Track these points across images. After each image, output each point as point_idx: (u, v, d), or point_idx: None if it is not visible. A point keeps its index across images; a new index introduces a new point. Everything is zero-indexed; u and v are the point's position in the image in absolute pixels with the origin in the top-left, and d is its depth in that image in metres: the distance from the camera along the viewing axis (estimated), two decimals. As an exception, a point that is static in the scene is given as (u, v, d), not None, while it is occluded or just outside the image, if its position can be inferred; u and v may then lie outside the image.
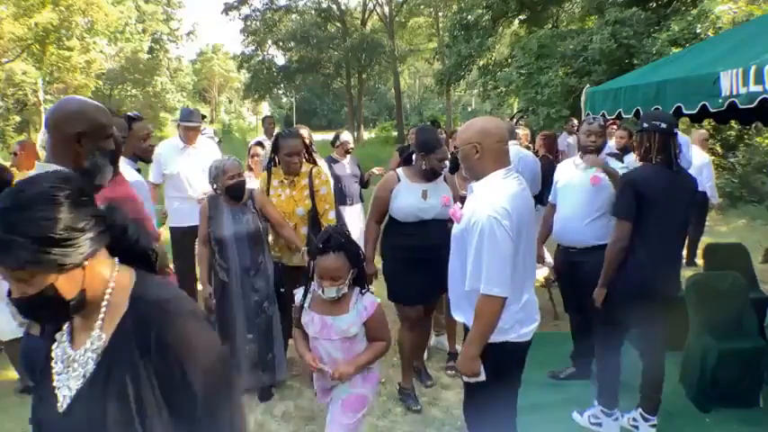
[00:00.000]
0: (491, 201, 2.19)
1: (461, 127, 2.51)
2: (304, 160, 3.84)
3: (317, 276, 2.37)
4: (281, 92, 41.88)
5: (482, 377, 2.27)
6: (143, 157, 3.34)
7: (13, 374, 4.17)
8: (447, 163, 3.56)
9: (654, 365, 3.25)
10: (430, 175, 3.44)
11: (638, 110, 4.04)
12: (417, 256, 3.41)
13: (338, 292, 2.33)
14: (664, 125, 3.03)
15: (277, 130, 9.62)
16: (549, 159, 5.89)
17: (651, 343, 3.20)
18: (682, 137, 5.95)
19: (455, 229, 2.42)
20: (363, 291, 2.46)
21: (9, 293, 1.11)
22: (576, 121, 9.66)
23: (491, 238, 2.13)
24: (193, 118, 4.95)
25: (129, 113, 3.45)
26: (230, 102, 52.74)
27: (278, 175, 3.83)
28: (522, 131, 5.97)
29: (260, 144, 5.66)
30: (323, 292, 2.33)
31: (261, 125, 8.45)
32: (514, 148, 4.93)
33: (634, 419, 3.35)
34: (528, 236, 2.33)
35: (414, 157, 3.56)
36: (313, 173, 3.80)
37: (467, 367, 2.26)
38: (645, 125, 3.09)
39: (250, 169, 5.16)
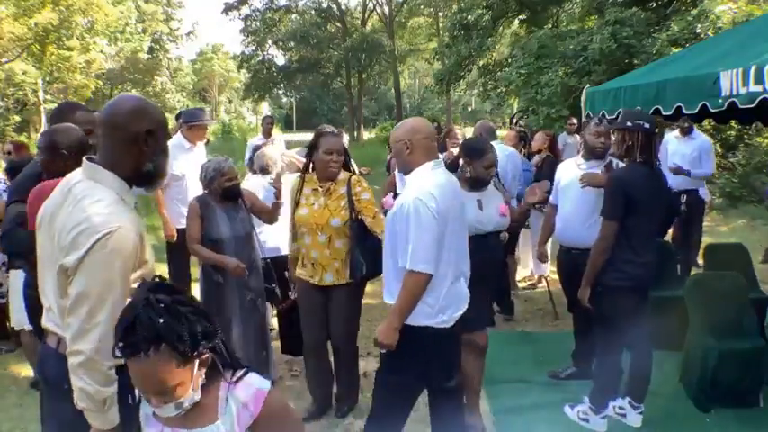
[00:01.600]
0: (419, 186, 2.39)
1: (395, 127, 2.67)
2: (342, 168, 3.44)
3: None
4: (281, 92, 41.89)
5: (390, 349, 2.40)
6: None
7: (12, 373, 4.17)
8: (493, 170, 3.25)
9: (643, 358, 3.31)
10: (475, 184, 3.16)
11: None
12: (479, 274, 2.87)
13: (179, 407, 1.37)
14: (647, 125, 3.12)
15: (276, 130, 9.56)
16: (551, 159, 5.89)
17: (640, 336, 3.23)
18: (702, 137, 5.92)
19: (388, 215, 2.55)
20: (235, 377, 1.45)
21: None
22: (575, 121, 9.64)
23: (416, 217, 2.29)
24: (207, 117, 4.91)
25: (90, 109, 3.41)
26: (230, 102, 52.71)
27: (311, 183, 3.40)
28: (512, 132, 5.98)
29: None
30: (156, 412, 1.41)
31: (260, 125, 8.43)
32: (500, 147, 4.95)
33: (621, 407, 3.40)
34: (454, 227, 2.44)
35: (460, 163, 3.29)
36: (352, 181, 3.37)
37: (386, 336, 2.38)
38: (629, 124, 3.15)
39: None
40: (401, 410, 2.58)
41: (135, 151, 1.74)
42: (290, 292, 3.78)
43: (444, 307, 2.45)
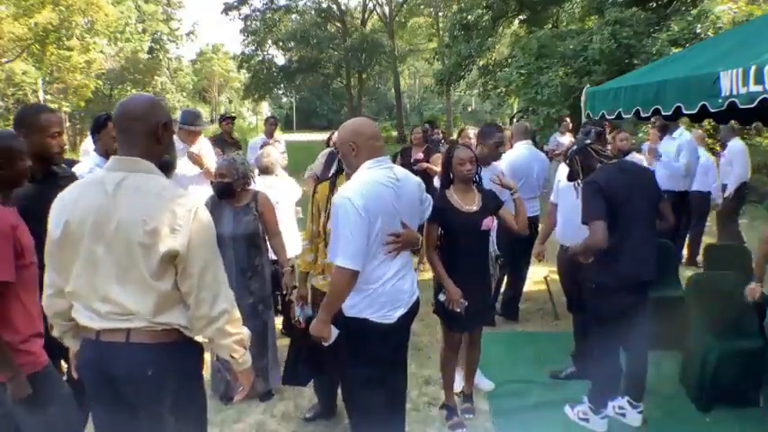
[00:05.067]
0: (350, 185, 2.43)
1: (340, 128, 2.67)
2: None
3: None
4: (281, 92, 41.84)
5: (330, 340, 2.47)
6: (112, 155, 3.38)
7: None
8: None
9: (638, 357, 3.31)
10: None
11: (638, 110, 4.05)
12: None
13: None
14: (575, 147, 3.26)
15: (276, 131, 9.58)
16: None
17: (635, 335, 3.22)
18: (685, 135, 5.92)
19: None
20: None
21: None
22: (568, 120, 9.65)
23: (343, 214, 2.33)
24: (199, 122, 4.91)
25: (103, 113, 3.53)
26: (230, 102, 52.64)
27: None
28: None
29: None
30: None
31: (263, 125, 8.44)
32: (526, 147, 4.96)
33: (620, 407, 3.40)
34: (384, 223, 2.42)
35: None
36: None
37: (316, 329, 2.44)
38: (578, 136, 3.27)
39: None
40: (373, 403, 2.55)
41: (154, 142, 1.87)
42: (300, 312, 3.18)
43: (385, 302, 2.47)
